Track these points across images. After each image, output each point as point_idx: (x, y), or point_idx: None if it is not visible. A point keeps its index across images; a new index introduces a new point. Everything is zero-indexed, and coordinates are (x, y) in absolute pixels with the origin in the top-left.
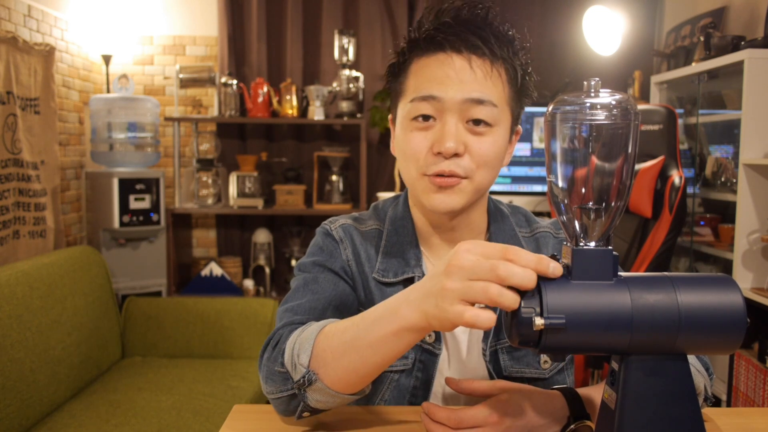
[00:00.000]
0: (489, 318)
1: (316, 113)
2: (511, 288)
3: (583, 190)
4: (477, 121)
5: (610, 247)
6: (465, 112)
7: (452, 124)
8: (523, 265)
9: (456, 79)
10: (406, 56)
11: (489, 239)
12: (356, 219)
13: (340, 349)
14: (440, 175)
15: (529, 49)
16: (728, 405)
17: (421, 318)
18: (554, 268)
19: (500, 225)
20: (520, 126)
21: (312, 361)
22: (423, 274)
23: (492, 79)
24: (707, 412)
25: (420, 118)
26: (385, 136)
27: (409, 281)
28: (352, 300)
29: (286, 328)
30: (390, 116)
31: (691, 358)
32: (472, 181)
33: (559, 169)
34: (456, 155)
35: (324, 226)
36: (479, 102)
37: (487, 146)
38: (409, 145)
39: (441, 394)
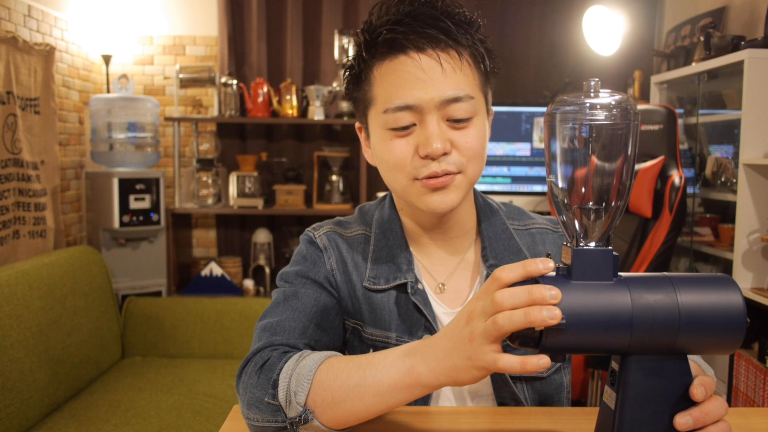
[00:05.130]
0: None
1: (316, 113)
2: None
3: (583, 191)
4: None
5: (610, 248)
6: (443, 110)
7: (434, 124)
8: (510, 278)
9: (427, 80)
10: (365, 63)
11: (480, 235)
12: (341, 224)
13: (341, 393)
14: (433, 176)
15: (482, 23)
16: (728, 405)
17: (442, 380)
18: (544, 264)
19: (490, 220)
20: (492, 108)
21: (309, 399)
22: (416, 279)
23: (462, 71)
24: None
25: (400, 129)
26: None
27: (401, 287)
28: (335, 313)
29: (270, 351)
30: (357, 125)
31: (697, 357)
32: (465, 175)
33: (559, 170)
34: (444, 154)
35: (308, 234)
36: (456, 100)
37: (472, 138)
38: (392, 154)
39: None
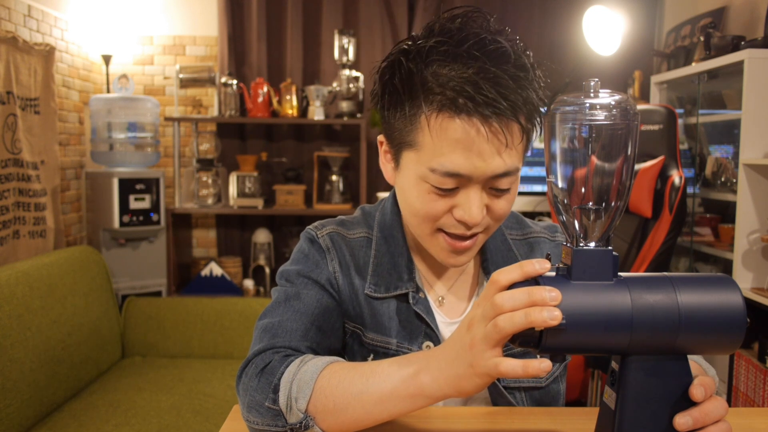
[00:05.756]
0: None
1: (316, 113)
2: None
3: (583, 191)
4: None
5: (610, 248)
6: (489, 182)
7: (477, 194)
8: (508, 280)
9: (485, 153)
10: (415, 101)
11: (481, 246)
12: (344, 224)
13: (343, 401)
14: (461, 237)
15: (539, 66)
16: (728, 405)
17: (446, 389)
18: (540, 264)
19: None
20: None
21: (310, 405)
22: (417, 289)
23: (517, 144)
24: None
25: (441, 190)
26: None
27: (402, 297)
28: (336, 316)
29: (271, 354)
30: (380, 139)
31: (698, 357)
32: (487, 234)
33: (559, 170)
34: None
35: (310, 232)
36: (505, 174)
37: (507, 203)
38: (424, 207)
39: None
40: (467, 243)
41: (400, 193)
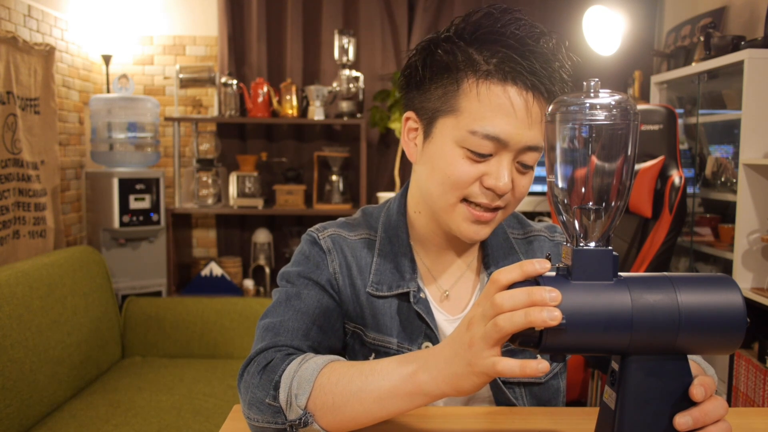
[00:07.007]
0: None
1: (316, 113)
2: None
3: (583, 191)
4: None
5: (610, 248)
6: (520, 154)
7: (509, 162)
8: (508, 280)
9: (525, 120)
10: (461, 68)
11: (482, 243)
12: (345, 226)
13: (343, 398)
14: (485, 207)
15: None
16: (728, 405)
17: (444, 388)
18: (540, 264)
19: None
20: None
21: (310, 402)
22: (418, 288)
23: (543, 120)
24: None
25: (477, 154)
26: (386, 136)
27: (404, 296)
28: (337, 316)
29: (273, 353)
30: (407, 115)
31: (698, 357)
32: (505, 212)
33: (559, 169)
34: None
35: (311, 234)
36: (534, 149)
37: (528, 182)
38: (456, 173)
39: None
40: (489, 215)
41: (426, 165)
